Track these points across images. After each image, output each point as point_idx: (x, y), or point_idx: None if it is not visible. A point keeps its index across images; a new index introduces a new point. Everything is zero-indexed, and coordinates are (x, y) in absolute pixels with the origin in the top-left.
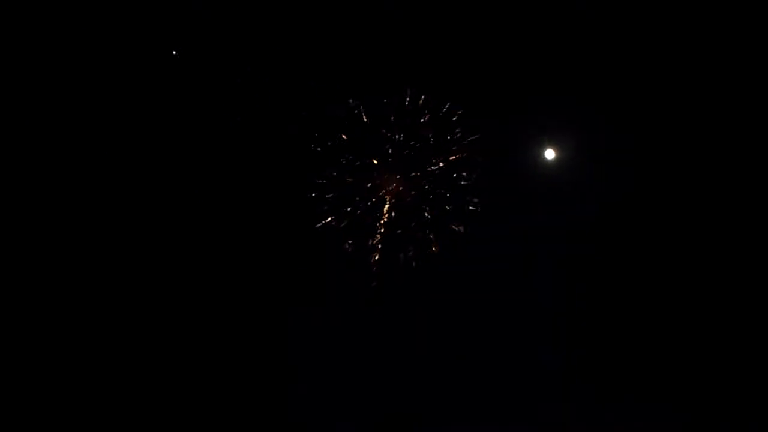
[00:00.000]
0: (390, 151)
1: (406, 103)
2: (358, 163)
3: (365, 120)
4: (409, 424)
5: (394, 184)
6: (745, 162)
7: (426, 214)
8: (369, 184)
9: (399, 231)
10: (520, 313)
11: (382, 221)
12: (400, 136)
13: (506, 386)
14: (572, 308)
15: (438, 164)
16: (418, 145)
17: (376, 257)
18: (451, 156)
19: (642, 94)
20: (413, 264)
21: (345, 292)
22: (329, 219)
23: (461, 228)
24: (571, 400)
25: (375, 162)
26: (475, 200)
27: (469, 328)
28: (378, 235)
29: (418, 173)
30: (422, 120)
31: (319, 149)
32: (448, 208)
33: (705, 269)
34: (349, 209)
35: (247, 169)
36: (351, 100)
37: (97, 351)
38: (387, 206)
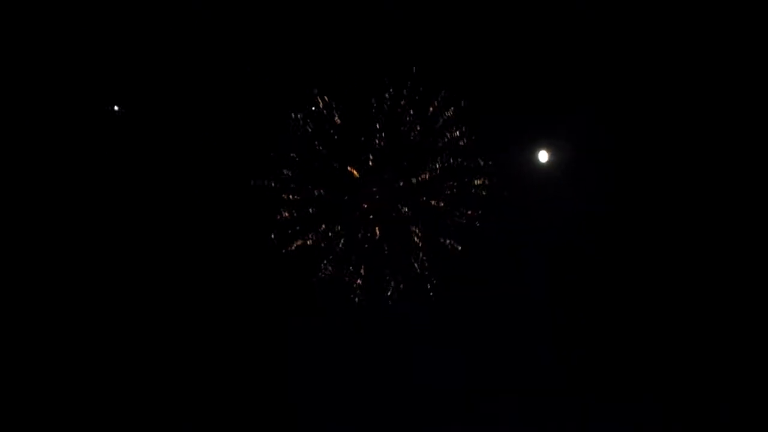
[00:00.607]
0: (370, 159)
1: (386, 102)
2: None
3: (338, 121)
4: (407, 425)
5: (376, 198)
6: (739, 162)
7: (416, 236)
8: (346, 198)
9: (385, 251)
10: (513, 308)
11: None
12: (381, 141)
13: (503, 383)
14: (564, 302)
15: (427, 174)
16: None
17: (358, 285)
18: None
19: (636, 94)
20: (401, 287)
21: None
22: (302, 241)
23: (458, 246)
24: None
25: (353, 172)
26: (470, 212)
27: (464, 324)
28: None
29: (403, 184)
30: (406, 122)
31: (286, 158)
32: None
33: (699, 263)
34: (323, 228)
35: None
36: (321, 98)
37: (99, 353)
38: (368, 223)
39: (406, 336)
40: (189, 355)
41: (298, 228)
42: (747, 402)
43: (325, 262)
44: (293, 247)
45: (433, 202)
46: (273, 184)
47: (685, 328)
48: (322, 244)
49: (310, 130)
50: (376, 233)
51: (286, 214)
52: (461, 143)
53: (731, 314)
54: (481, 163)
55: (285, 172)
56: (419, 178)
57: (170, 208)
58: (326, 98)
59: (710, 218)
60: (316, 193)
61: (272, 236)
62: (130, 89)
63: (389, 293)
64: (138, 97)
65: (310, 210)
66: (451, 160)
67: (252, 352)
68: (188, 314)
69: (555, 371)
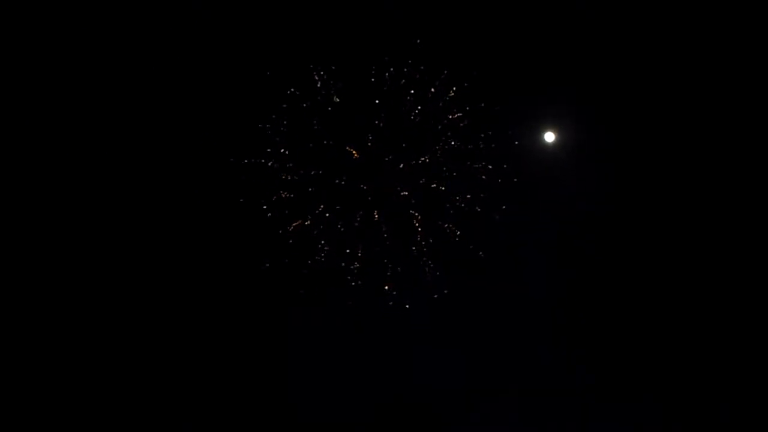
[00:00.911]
0: (370, 140)
1: (387, 80)
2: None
3: (337, 100)
4: (405, 423)
5: (376, 179)
6: (740, 159)
7: (416, 221)
8: (345, 180)
9: (384, 234)
10: (512, 306)
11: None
12: (380, 122)
13: (503, 383)
14: (565, 300)
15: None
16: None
17: (357, 268)
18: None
19: (640, 89)
20: (399, 270)
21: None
22: (300, 222)
23: (457, 231)
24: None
25: (353, 153)
26: (469, 196)
27: (464, 322)
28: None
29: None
30: (407, 100)
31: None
32: (446, 205)
33: (700, 262)
34: (321, 209)
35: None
36: (319, 75)
37: (97, 352)
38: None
39: (406, 335)
40: (183, 346)
41: (295, 209)
42: (747, 402)
43: (322, 242)
44: (290, 229)
45: (433, 185)
46: (270, 164)
47: (685, 328)
48: (321, 227)
49: (305, 105)
50: (374, 215)
51: (284, 195)
52: (462, 125)
53: (731, 314)
54: (482, 145)
55: (282, 151)
56: (419, 161)
57: (162, 190)
58: (324, 75)
59: (712, 217)
60: (313, 173)
61: (269, 215)
62: (124, 70)
63: (386, 277)
64: (130, 79)
65: (309, 189)
66: (452, 143)
67: (249, 347)
68: (181, 302)
69: (555, 371)
